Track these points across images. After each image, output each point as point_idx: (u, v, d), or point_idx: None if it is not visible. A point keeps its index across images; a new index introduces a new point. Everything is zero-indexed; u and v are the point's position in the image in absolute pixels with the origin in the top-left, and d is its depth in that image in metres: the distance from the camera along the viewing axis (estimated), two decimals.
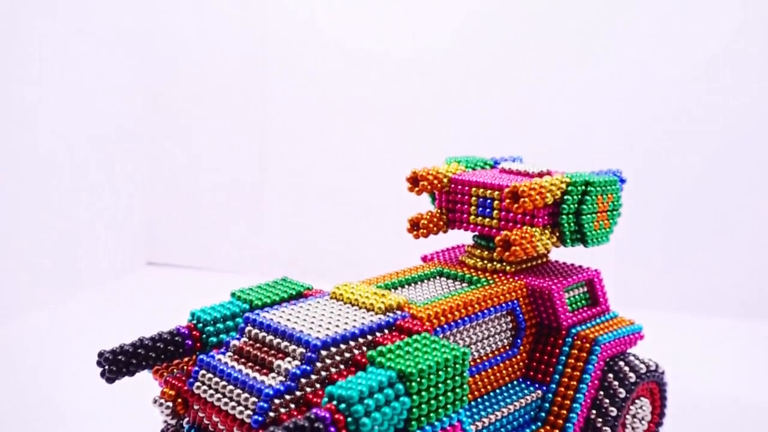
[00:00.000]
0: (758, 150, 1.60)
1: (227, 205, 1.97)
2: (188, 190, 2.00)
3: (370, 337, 0.70)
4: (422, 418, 0.64)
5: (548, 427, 0.86)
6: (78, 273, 1.75)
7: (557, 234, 0.90)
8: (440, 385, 0.65)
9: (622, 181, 0.97)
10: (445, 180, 0.96)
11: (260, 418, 0.61)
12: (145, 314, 1.53)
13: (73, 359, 1.27)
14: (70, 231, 1.72)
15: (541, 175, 0.95)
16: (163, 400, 0.70)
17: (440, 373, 0.64)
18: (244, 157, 1.93)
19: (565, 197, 0.89)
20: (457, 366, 0.66)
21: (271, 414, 0.61)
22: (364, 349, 0.69)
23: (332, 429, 0.57)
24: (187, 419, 0.73)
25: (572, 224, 0.90)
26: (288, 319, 0.72)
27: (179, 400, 0.70)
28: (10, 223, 1.51)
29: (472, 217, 0.94)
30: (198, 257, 2.00)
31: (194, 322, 0.78)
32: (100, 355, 0.71)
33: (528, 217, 0.89)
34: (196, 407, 0.70)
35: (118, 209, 1.92)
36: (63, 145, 1.65)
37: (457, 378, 0.66)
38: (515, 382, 0.88)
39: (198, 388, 0.68)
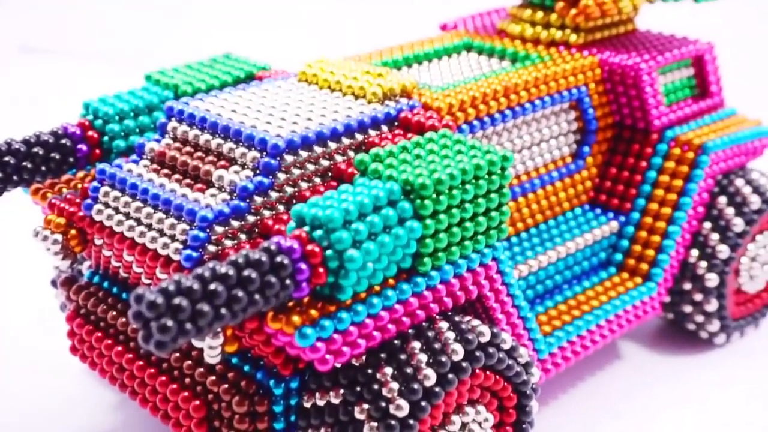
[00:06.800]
0: None
1: None
2: None
3: (359, 137, 0.69)
4: (439, 254, 0.63)
5: (626, 274, 0.87)
6: None
7: None
8: (467, 205, 0.64)
9: None
10: None
11: (195, 254, 0.60)
12: (21, 114, 1.55)
13: None
14: None
15: None
16: (48, 233, 0.69)
17: (467, 187, 0.63)
18: None
19: None
20: (494, 178, 0.65)
21: (211, 248, 0.61)
22: (351, 153, 0.68)
23: (302, 266, 0.56)
24: (86, 261, 0.74)
25: None
26: (234, 110, 0.70)
27: (72, 231, 0.69)
28: None
29: None
30: (88, 41, 1.98)
31: (90, 117, 0.76)
32: None
33: None
34: (98, 242, 0.69)
35: None
36: None
37: (492, 196, 0.65)
38: (579, 210, 0.88)
39: (99, 213, 0.67)
